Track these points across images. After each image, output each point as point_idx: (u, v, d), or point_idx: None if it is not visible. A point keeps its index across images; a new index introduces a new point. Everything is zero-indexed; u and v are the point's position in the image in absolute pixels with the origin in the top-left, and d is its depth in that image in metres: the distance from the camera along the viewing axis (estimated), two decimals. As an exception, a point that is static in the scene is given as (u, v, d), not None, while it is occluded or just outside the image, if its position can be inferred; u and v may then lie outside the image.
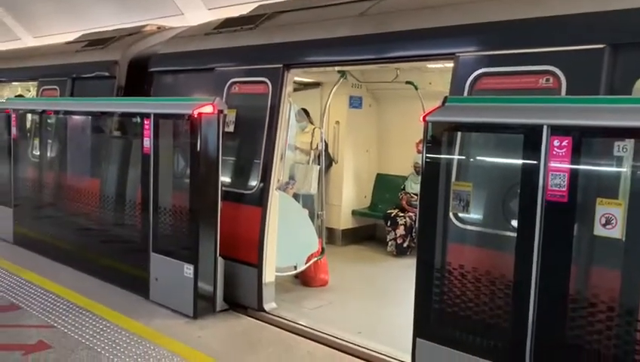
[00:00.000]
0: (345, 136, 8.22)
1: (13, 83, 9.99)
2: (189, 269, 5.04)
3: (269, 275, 5.33)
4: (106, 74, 7.31)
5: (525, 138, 3.20)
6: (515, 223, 3.40)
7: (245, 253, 5.32)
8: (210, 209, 5.07)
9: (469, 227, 3.77)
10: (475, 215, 3.77)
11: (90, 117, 6.84)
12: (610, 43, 3.40)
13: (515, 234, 3.36)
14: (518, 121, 3.26)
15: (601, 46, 3.42)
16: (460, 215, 3.75)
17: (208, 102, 5.02)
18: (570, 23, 3.61)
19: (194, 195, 5.06)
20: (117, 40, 7.74)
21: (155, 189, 5.38)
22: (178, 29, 7.71)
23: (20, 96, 10.24)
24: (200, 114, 4.94)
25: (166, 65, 6.67)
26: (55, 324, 4.82)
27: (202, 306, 5.07)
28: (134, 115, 5.82)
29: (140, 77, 6.98)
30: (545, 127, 3.09)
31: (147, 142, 5.41)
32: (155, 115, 5.37)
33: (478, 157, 3.98)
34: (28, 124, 7.83)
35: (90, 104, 6.70)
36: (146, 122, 5.41)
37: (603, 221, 3.02)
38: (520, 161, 3.30)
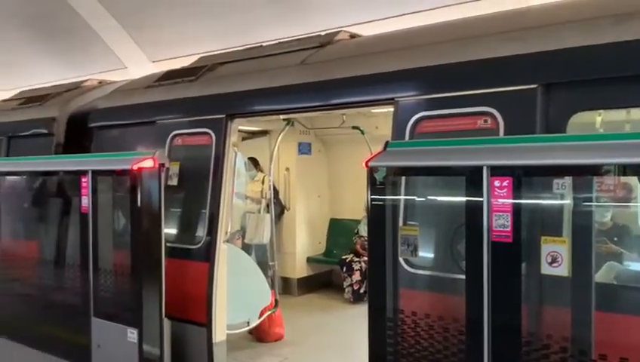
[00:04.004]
0: (295, 183, 8.17)
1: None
2: (132, 333, 4.74)
3: (219, 334, 5.07)
4: (44, 131, 7.06)
5: (466, 180, 3.19)
6: (463, 265, 3.36)
7: (193, 312, 5.07)
8: (154, 267, 4.81)
9: (419, 271, 3.71)
10: (424, 258, 3.71)
11: (26, 177, 6.54)
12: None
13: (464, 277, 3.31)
14: (458, 164, 3.26)
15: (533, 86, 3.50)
16: (410, 259, 3.69)
17: (148, 155, 4.86)
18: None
19: (136, 254, 4.82)
20: (55, 96, 7.52)
21: (95, 249, 5.11)
22: (120, 82, 7.57)
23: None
24: (140, 168, 4.77)
25: (106, 120, 6.48)
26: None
27: (148, 372, 4.77)
28: (71, 172, 5.57)
29: (81, 133, 6.77)
30: (485, 168, 3.09)
31: (85, 201, 5.17)
32: (93, 171, 5.16)
33: (424, 201, 3.95)
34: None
35: (24, 163, 6.41)
36: (83, 180, 5.18)
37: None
38: (464, 203, 3.28)
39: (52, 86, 8.35)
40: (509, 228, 3.04)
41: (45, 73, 11.46)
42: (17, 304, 6.22)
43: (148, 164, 4.80)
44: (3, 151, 7.53)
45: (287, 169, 8.18)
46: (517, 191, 3.04)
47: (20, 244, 6.68)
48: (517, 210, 3.04)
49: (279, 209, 7.89)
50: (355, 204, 8.13)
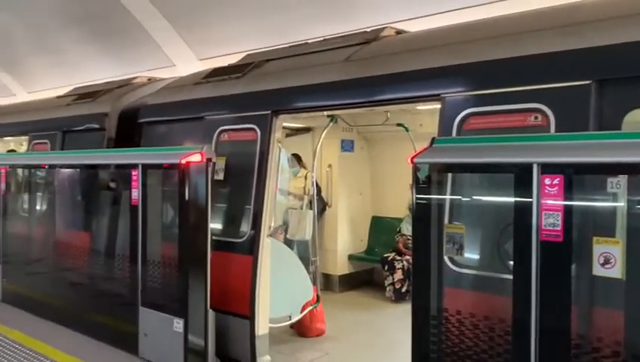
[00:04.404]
0: (338, 180, 8.17)
1: (5, 138, 9.99)
2: (178, 323, 4.86)
3: (262, 327, 5.14)
4: (96, 126, 7.31)
5: (515, 177, 3.13)
6: (511, 264, 3.29)
7: (237, 304, 5.15)
8: (200, 259, 4.92)
9: (464, 270, 3.66)
10: (470, 257, 3.66)
11: (78, 169, 6.79)
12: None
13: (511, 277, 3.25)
14: (507, 161, 3.19)
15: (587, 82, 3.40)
16: (455, 258, 3.64)
17: (196, 150, 4.97)
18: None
19: (182, 246, 4.94)
20: (107, 92, 7.77)
21: (144, 241, 5.26)
22: (168, 79, 7.76)
23: (12, 151, 10.22)
24: (188, 162, 4.88)
25: (155, 116, 6.66)
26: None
27: (193, 362, 4.88)
28: (122, 166, 5.75)
29: (131, 128, 6.97)
30: (535, 166, 3.02)
31: (135, 193, 5.32)
32: (143, 165, 5.31)
33: (470, 198, 3.89)
34: (18, 179, 7.77)
35: (75, 157, 6.66)
36: (133, 173, 5.34)
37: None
38: (512, 201, 3.22)
39: (104, 83, 8.63)
40: (559, 228, 2.97)
41: (98, 71, 11.86)
42: (69, 291, 6.47)
43: (196, 158, 4.91)
44: (58, 145, 7.84)
45: (330, 166, 8.19)
46: (568, 189, 2.97)
47: (71, 235, 6.94)
48: (568, 209, 2.96)
49: (321, 206, 7.91)
50: (397, 202, 8.07)
